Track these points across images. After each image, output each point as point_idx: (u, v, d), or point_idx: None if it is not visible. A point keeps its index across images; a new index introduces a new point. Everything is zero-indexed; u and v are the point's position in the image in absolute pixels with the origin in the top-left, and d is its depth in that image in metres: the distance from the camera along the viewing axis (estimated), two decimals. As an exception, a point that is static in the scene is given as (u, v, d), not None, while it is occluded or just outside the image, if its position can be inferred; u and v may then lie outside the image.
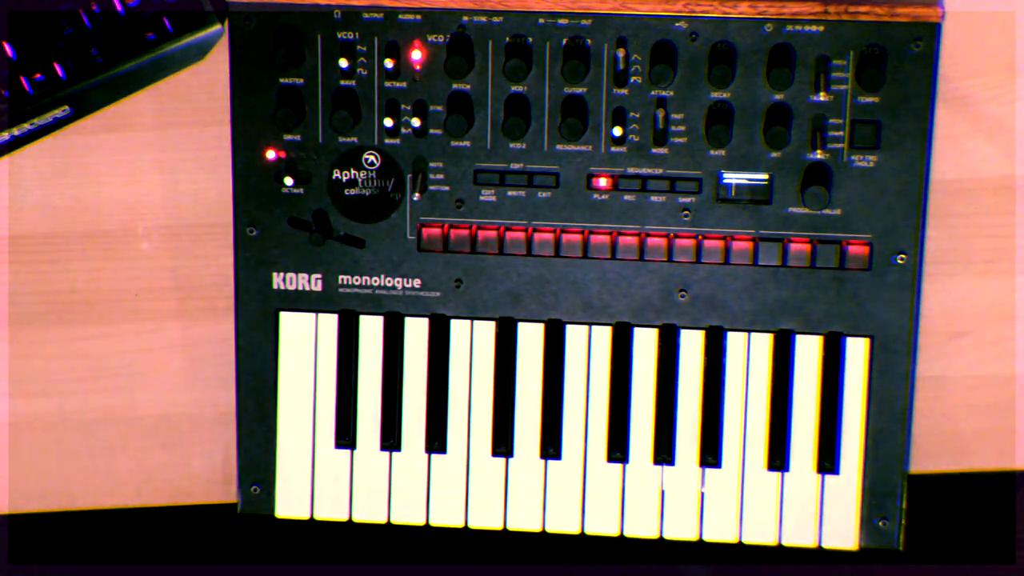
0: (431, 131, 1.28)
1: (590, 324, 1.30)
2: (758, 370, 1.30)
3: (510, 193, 1.29)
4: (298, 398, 1.32)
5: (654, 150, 1.28)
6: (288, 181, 1.30)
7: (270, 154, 1.30)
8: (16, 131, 1.29)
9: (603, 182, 1.28)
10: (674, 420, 1.31)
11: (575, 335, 1.31)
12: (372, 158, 1.29)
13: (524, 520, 1.32)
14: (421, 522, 1.33)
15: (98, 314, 1.35)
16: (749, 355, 1.29)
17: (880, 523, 1.30)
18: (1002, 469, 1.33)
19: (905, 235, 1.27)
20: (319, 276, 1.31)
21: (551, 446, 1.31)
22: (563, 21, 1.26)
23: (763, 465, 1.30)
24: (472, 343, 1.31)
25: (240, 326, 1.32)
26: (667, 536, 1.31)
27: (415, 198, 1.29)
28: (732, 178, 1.28)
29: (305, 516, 1.33)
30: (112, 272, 1.34)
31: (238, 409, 1.33)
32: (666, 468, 1.31)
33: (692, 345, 1.30)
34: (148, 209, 1.33)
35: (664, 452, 1.30)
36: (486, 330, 1.31)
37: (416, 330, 1.31)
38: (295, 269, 1.31)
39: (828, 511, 1.30)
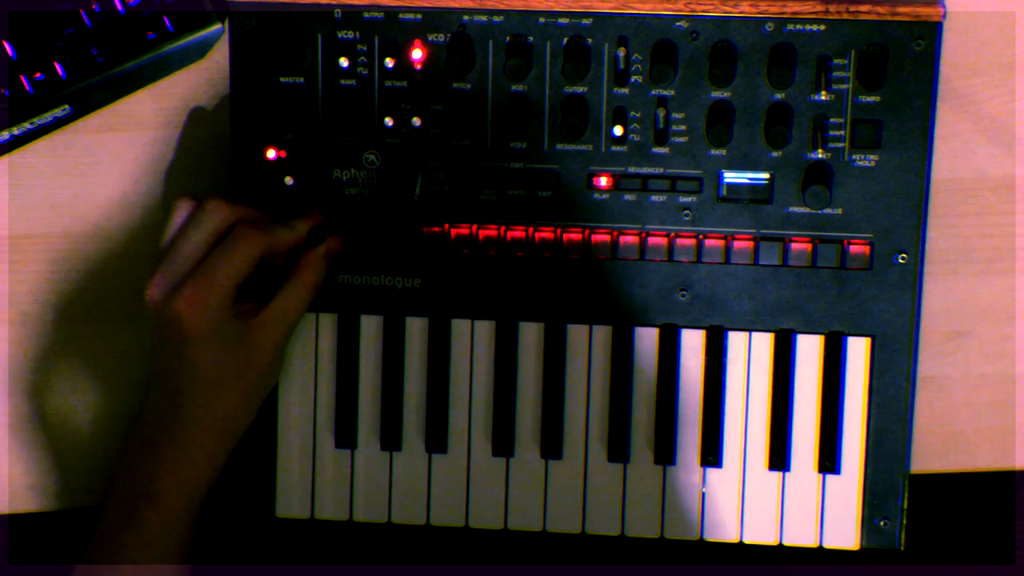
0: (431, 131, 1.28)
1: (590, 324, 1.30)
2: (759, 370, 1.30)
3: (510, 192, 1.29)
4: (298, 398, 1.32)
5: (654, 149, 1.28)
6: (288, 181, 1.30)
7: (270, 154, 1.29)
8: (16, 130, 1.29)
9: (603, 181, 1.28)
10: (675, 420, 1.30)
11: (575, 335, 1.30)
12: (372, 158, 1.29)
13: (524, 520, 1.32)
14: (421, 522, 1.33)
15: (98, 314, 1.35)
16: (750, 355, 1.29)
17: (881, 523, 1.30)
18: (1002, 469, 1.33)
19: (906, 235, 1.27)
20: (319, 276, 1.31)
21: (552, 446, 1.31)
22: (563, 20, 1.26)
23: (764, 465, 1.30)
24: (472, 343, 1.31)
25: (240, 326, 1.32)
26: (667, 536, 1.31)
27: (415, 198, 1.29)
28: (732, 178, 1.28)
29: (305, 516, 1.33)
30: (112, 272, 1.34)
31: (238, 409, 1.33)
32: (667, 468, 1.31)
33: (693, 345, 1.30)
34: (148, 209, 1.33)
35: (665, 452, 1.30)
36: (486, 330, 1.31)
37: (416, 330, 1.31)
38: (295, 269, 1.31)
39: (829, 511, 1.30)
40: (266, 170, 1.30)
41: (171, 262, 1.24)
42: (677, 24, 1.26)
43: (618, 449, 1.30)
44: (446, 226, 1.30)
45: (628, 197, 1.28)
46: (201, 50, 1.30)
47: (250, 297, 1.27)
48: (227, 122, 1.30)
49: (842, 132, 1.26)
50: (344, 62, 1.28)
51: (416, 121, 1.28)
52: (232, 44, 1.28)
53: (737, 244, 1.28)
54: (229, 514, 1.32)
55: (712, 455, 1.30)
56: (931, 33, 1.24)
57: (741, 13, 1.25)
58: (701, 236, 1.28)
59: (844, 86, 1.25)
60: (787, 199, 1.27)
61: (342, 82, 1.28)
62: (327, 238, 1.29)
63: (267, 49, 1.28)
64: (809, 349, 1.29)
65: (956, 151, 1.29)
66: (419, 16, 1.27)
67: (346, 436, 1.32)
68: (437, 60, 1.27)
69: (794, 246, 1.28)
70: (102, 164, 1.33)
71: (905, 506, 1.30)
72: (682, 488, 1.31)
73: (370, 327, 1.31)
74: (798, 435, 1.30)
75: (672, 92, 1.26)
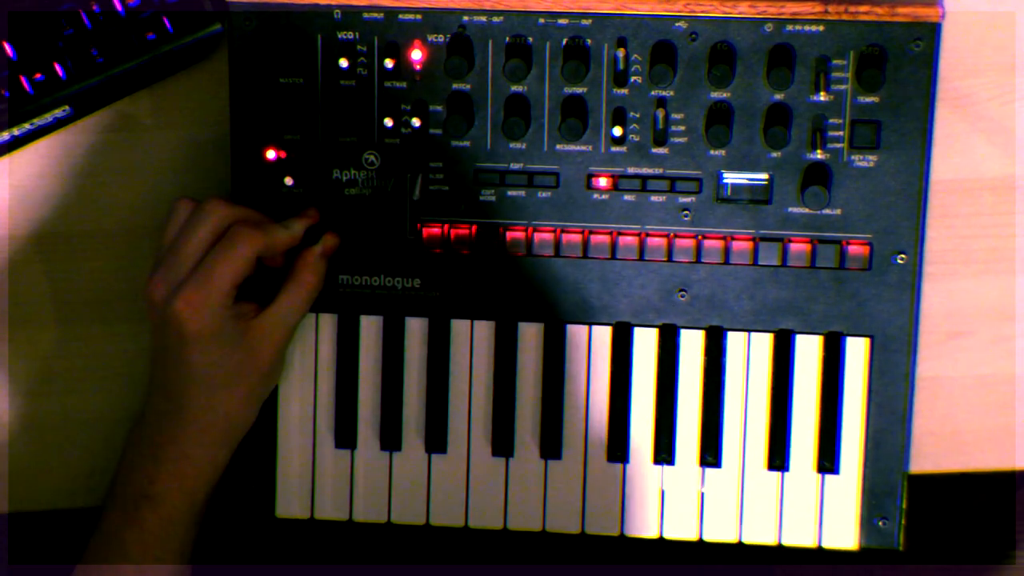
0: (431, 131, 1.28)
1: (590, 324, 1.30)
2: (758, 370, 1.30)
3: (510, 193, 1.29)
4: (298, 398, 1.32)
5: (654, 150, 1.28)
6: (288, 181, 1.30)
7: (270, 154, 1.30)
8: (16, 131, 1.29)
9: (603, 182, 1.28)
10: (674, 420, 1.31)
11: (575, 335, 1.31)
12: (372, 158, 1.29)
13: (524, 520, 1.32)
14: (421, 522, 1.33)
15: (98, 314, 1.35)
16: (749, 355, 1.29)
17: (880, 523, 1.30)
18: (1002, 469, 1.33)
19: (905, 235, 1.27)
20: (319, 276, 1.31)
21: (551, 446, 1.31)
22: (563, 21, 1.26)
23: (763, 465, 1.30)
24: (472, 343, 1.31)
25: (240, 326, 1.32)
26: (667, 536, 1.31)
27: (415, 198, 1.29)
28: (732, 178, 1.28)
29: (305, 516, 1.33)
30: (112, 272, 1.34)
31: (238, 409, 1.33)
32: (666, 468, 1.31)
33: (692, 345, 1.30)
34: (148, 209, 1.33)
35: (664, 452, 1.30)
36: (486, 330, 1.31)
37: (416, 330, 1.31)
38: (295, 269, 1.31)
39: (828, 511, 1.30)
40: (266, 170, 1.30)
41: (171, 263, 1.24)
42: (676, 25, 1.26)
43: (617, 449, 1.30)
44: (446, 226, 1.30)
45: (628, 197, 1.28)
46: (201, 51, 1.30)
47: (250, 298, 1.27)
48: (227, 122, 1.30)
49: (841, 133, 1.26)
50: (344, 62, 1.28)
51: (416, 122, 1.28)
52: (231, 44, 1.28)
53: (736, 244, 1.28)
54: (229, 514, 1.32)
55: (711, 455, 1.30)
56: (930, 34, 1.24)
57: (740, 14, 1.25)
58: (700, 236, 1.28)
59: (843, 87, 1.25)
60: (786, 199, 1.27)
61: (342, 82, 1.28)
62: (323, 235, 1.29)
63: (266, 49, 1.28)
64: (808, 349, 1.29)
65: (955, 151, 1.29)
66: (419, 16, 1.27)
67: (346, 436, 1.32)
68: (437, 61, 1.27)
69: (793, 246, 1.28)
70: (102, 165, 1.33)
71: (904, 506, 1.30)
72: (681, 488, 1.31)
73: (370, 327, 1.32)
74: (797, 435, 1.30)
75: (671, 93, 1.27)
